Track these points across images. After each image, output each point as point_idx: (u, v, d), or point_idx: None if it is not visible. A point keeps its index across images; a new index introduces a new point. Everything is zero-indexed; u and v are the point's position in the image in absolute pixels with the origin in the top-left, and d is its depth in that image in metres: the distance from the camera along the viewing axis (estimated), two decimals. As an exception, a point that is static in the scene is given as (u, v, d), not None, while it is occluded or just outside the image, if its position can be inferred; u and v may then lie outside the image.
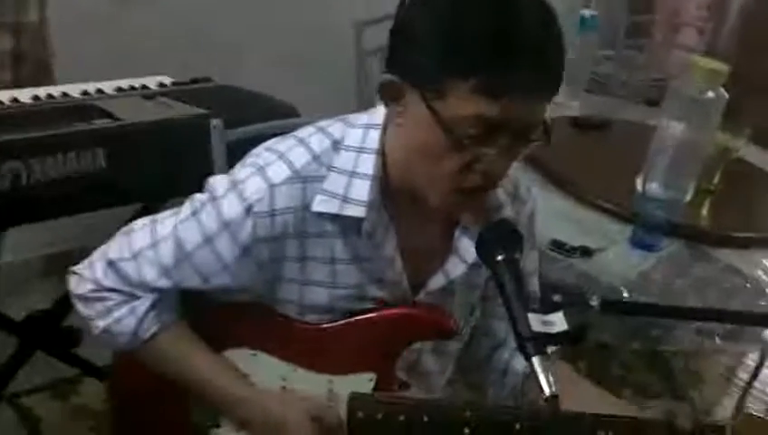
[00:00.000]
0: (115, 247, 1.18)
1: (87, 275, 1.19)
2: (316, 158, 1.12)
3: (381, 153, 1.12)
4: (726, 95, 1.87)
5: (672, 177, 1.87)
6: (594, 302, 1.00)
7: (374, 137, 1.12)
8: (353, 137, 1.13)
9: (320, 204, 1.11)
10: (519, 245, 1.06)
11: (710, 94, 1.88)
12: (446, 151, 1.02)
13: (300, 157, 1.12)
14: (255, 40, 2.81)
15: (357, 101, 2.58)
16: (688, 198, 1.95)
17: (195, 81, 2.04)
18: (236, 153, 1.34)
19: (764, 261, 1.84)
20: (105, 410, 1.67)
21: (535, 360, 0.92)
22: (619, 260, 1.74)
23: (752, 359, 2.36)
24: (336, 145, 1.13)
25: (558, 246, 1.74)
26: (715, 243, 1.86)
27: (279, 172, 1.11)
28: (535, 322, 0.96)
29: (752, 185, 2.24)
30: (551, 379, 0.90)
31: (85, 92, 1.86)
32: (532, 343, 0.93)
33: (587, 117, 2.43)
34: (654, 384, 2.55)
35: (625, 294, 1.59)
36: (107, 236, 1.21)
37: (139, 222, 1.20)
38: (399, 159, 1.11)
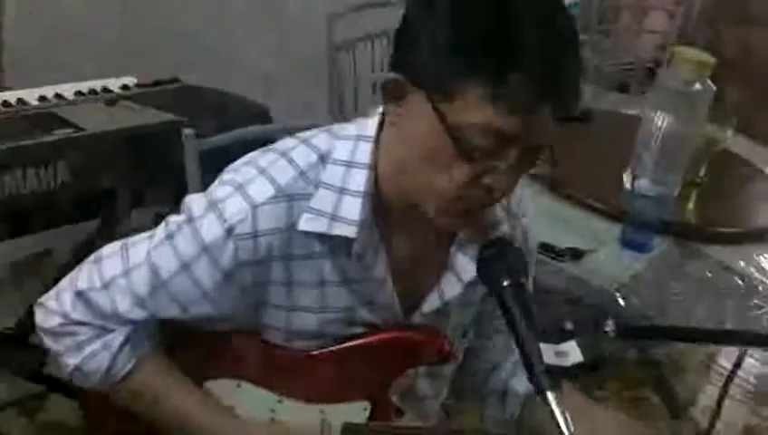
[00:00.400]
0: (84, 277, 1.09)
1: (54, 308, 1.09)
2: (302, 173, 1.03)
3: (373, 168, 1.04)
4: (714, 87, 1.82)
5: (661, 172, 1.82)
6: (609, 328, 0.94)
7: (365, 150, 1.04)
8: (342, 150, 1.05)
9: (307, 223, 1.02)
10: (524, 268, 0.99)
11: (697, 86, 1.82)
12: (451, 160, 0.94)
13: (284, 172, 1.03)
14: (222, 33, 2.70)
15: (328, 96, 2.50)
16: (676, 192, 1.91)
17: (160, 82, 1.93)
18: (209, 163, 1.26)
19: (755, 256, 1.80)
20: (75, 427, 1.58)
21: (550, 396, 0.85)
22: (610, 262, 1.69)
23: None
24: (323, 159, 1.05)
25: (546, 249, 1.68)
26: (705, 239, 1.83)
27: (261, 190, 1.02)
28: (548, 353, 0.89)
29: (737, 176, 2.20)
30: (567, 417, 0.84)
31: (43, 98, 1.74)
32: (547, 378, 0.86)
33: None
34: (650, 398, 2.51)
35: (621, 301, 1.54)
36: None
37: (109, 248, 1.10)
38: (395, 170, 1.03)
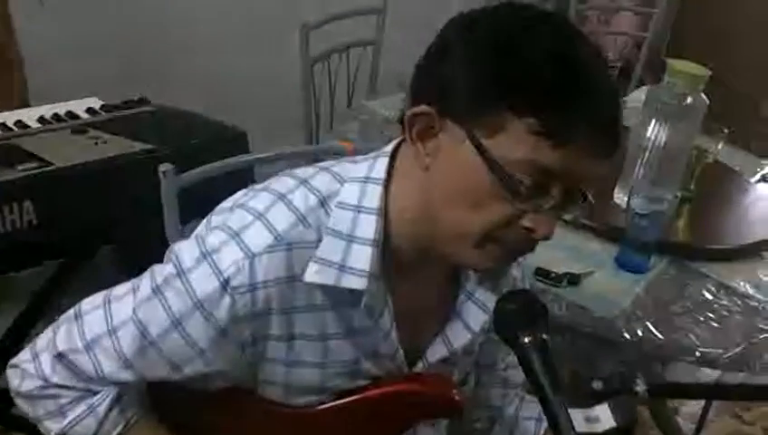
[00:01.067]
0: (64, 336, 0.99)
1: (31, 371, 1.00)
2: (302, 219, 0.95)
3: (383, 214, 0.96)
4: (707, 100, 1.77)
5: (656, 189, 1.76)
6: (640, 387, 0.87)
7: (375, 194, 0.96)
8: (349, 193, 0.97)
9: (314, 274, 0.94)
10: (546, 322, 0.92)
11: (690, 100, 1.77)
12: (490, 198, 0.88)
13: (282, 218, 0.95)
14: (188, 51, 2.59)
15: (304, 110, 2.41)
16: (669, 207, 1.85)
17: (129, 103, 1.81)
18: (186, 199, 1.16)
19: (754, 272, 1.76)
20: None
21: None
22: (608, 287, 1.63)
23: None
24: (324, 202, 0.96)
25: (542, 274, 1.62)
26: (703, 258, 1.77)
27: (259, 238, 0.93)
28: (578, 418, 0.82)
29: (725, 188, 2.15)
30: None
31: (4, 126, 1.62)
32: None
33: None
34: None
35: (626, 335, 1.47)
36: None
37: (90, 303, 1.01)
38: (417, 213, 0.95)
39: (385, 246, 0.97)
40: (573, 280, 1.62)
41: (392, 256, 0.98)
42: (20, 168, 1.41)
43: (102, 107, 1.81)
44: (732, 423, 2.62)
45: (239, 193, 1.01)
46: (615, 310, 1.55)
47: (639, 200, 1.71)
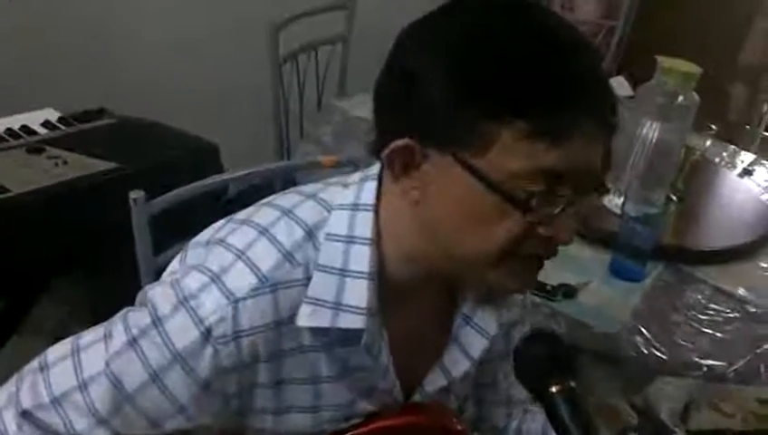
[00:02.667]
0: (28, 391, 0.88)
1: None
2: (287, 255, 0.86)
3: (376, 243, 0.87)
4: (698, 98, 1.71)
5: (647, 191, 1.70)
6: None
7: (365, 222, 0.88)
8: (337, 223, 0.88)
9: (307, 318, 0.85)
10: (573, 365, 0.84)
11: (681, 98, 1.71)
12: (501, 218, 0.80)
13: (266, 255, 0.85)
14: (147, 56, 2.45)
15: (273, 113, 2.30)
16: (659, 209, 1.79)
17: (88, 115, 1.68)
18: (157, 222, 1.06)
19: (749, 275, 1.71)
20: None
21: None
22: (605, 298, 1.56)
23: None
24: (312, 234, 0.87)
25: (538, 287, 1.54)
26: (697, 262, 1.72)
27: (241, 280, 0.84)
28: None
29: (713, 185, 2.10)
30: None
31: (-47, 144, 1.49)
32: None
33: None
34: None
35: (631, 353, 1.41)
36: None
37: (56, 353, 0.90)
38: (415, 244, 0.87)
39: (380, 276, 0.88)
40: (569, 293, 1.55)
41: (387, 286, 0.89)
42: (-27, 195, 1.28)
43: (60, 120, 1.67)
44: (712, 415, 2.60)
45: (216, 224, 0.92)
46: (616, 325, 1.48)
47: (632, 204, 1.65)
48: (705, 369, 1.41)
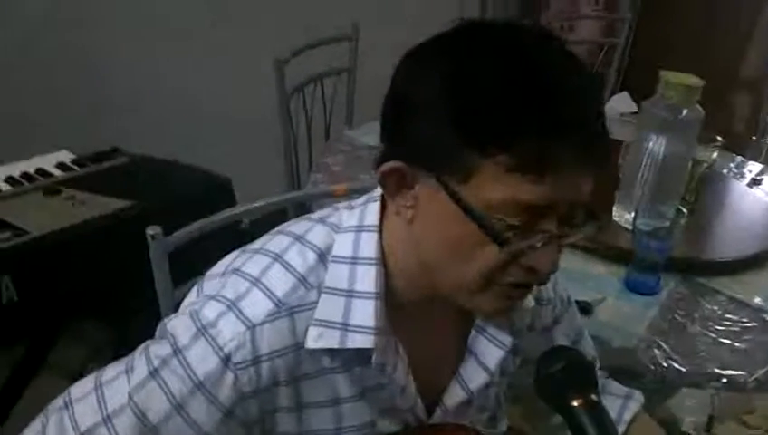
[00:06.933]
0: (54, 428, 0.90)
1: None
2: (301, 279, 0.88)
3: (381, 262, 0.89)
4: (702, 111, 1.72)
5: (657, 205, 1.71)
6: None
7: (369, 243, 0.90)
8: (343, 245, 0.90)
9: (315, 340, 0.87)
10: (592, 379, 0.85)
11: (685, 112, 1.72)
12: (480, 246, 0.81)
13: (280, 281, 0.88)
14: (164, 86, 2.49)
15: (283, 146, 2.32)
16: (670, 223, 1.80)
17: (101, 155, 1.71)
18: (174, 257, 1.07)
19: (763, 283, 1.71)
20: None
21: None
22: (621, 313, 1.57)
23: None
24: (323, 258, 0.90)
25: (553, 305, 1.54)
26: (711, 273, 1.72)
27: (258, 306, 0.86)
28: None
29: (722, 197, 2.11)
30: None
31: (-29, 191, 1.52)
32: None
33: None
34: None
35: (649, 365, 1.41)
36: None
37: (79, 389, 0.92)
38: (411, 263, 0.89)
39: (389, 295, 0.90)
40: (586, 309, 1.55)
41: (397, 304, 0.91)
42: (-5, 238, 1.31)
43: (74, 161, 1.70)
44: (737, 429, 2.57)
45: (231, 255, 0.94)
46: (633, 339, 1.48)
47: (643, 219, 1.66)
48: (724, 380, 1.41)
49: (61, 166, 1.67)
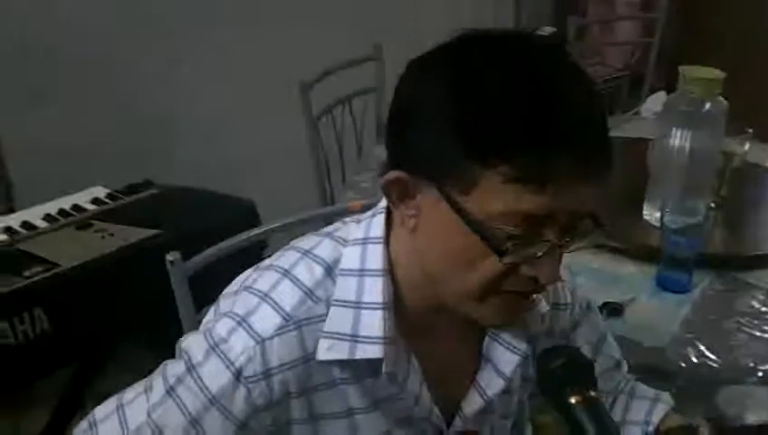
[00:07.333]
0: None
1: None
2: (309, 293, 0.90)
3: (389, 273, 0.90)
4: (725, 102, 1.69)
5: (687, 201, 1.68)
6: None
7: (375, 254, 0.91)
8: (351, 258, 0.91)
9: (326, 352, 0.88)
10: (591, 376, 0.84)
11: (708, 106, 1.69)
12: (482, 256, 0.82)
13: (288, 295, 0.90)
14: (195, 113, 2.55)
15: (314, 170, 2.35)
16: (702, 219, 1.76)
17: (133, 188, 1.77)
18: (198, 283, 1.10)
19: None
20: None
21: None
22: (653, 312, 1.54)
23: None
24: (330, 271, 0.91)
25: (582, 309, 1.53)
26: (746, 267, 1.67)
27: (267, 321, 0.88)
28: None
29: (758, 188, 2.06)
30: None
31: (9, 230, 1.58)
32: None
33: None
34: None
35: (681, 363, 1.38)
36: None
37: (103, 410, 0.95)
38: (417, 274, 0.90)
39: (399, 306, 0.91)
40: (617, 310, 1.53)
41: (408, 315, 0.92)
42: (26, 273, 1.36)
43: (108, 195, 1.76)
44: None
45: (245, 273, 0.97)
46: (665, 338, 1.46)
47: (672, 216, 1.64)
48: (760, 374, 1.38)
49: (95, 201, 1.73)
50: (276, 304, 0.89)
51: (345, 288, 0.90)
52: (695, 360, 1.40)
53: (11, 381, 1.30)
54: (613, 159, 0.82)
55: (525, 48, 0.82)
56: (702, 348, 1.43)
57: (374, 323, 0.89)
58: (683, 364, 1.40)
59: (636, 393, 1.19)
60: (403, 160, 0.85)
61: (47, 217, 1.64)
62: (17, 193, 2.14)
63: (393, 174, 0.85)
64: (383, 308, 0.89)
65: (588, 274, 1.65)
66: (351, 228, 0.95)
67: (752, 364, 1.39)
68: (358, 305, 0.89)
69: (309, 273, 0.91)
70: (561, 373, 0.86)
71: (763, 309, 1.55)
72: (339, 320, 0.89)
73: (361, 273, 0.90)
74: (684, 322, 1.51)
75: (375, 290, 0.89)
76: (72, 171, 1.97)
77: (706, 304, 1.57)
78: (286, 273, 0.92)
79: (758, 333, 1.48)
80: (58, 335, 1.33)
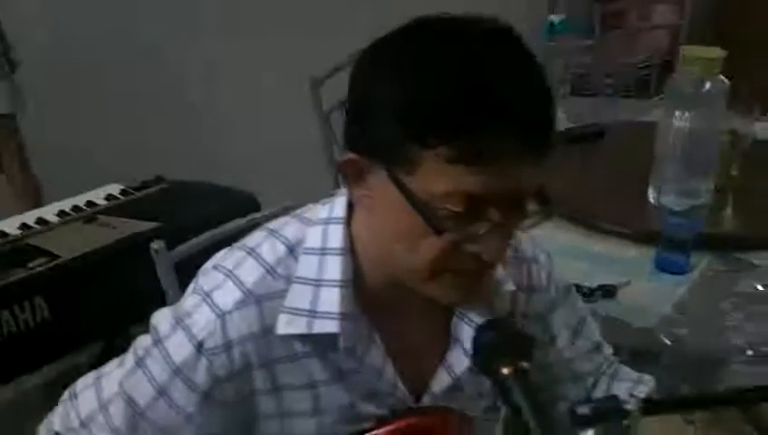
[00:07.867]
0: (61, 418, 1.00)
1: None
2: (270, 270, 0.93)
3: (349, 252, 0.93)
4: (726, 81, 1.67)
5: (686, 181, 1.66)
6: (632, 405, 0.79)
7: (336, 234, 0.93)
8: (313, 237, 0.94)
9: (284, 326, 0.91)
10: (528, 350, 0.85)
11: (708, 85, 1.67)
12: (426, 235, 0.83)
13: (250, 272, 0.93)
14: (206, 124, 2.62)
15: (329, 164, 2.39)
16: (706, 200, 1.74)
17: (146, 184, 1.84)
18: (191, 270, 1.14)
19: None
20: None
21: None
22: (647, 293, 1.53)
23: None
24: (293, 250, 0.94)
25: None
26: (749, 247, 1.64)
27: (228, 296, 0.92)
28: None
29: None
30: None
31: (25, 226, 1.66)
32: None
33: (578, 127, 2.22)
34: None
35: (665, 341, 1.37)
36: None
37: (83, 382, 1.01)
38: (374, 252, 0.92)
39: (360, 284, 0.93)
40: (608, 293, 1.53)
41: (370, 292, 0.94)
42: (30, 265, 1.43)
43: (121, 191, 1.83)
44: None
45: (220, 253, 1.00)
46: (653, 318, 1.44)
47: (671, 197, 1.62)
48: (749, 353, 1.35)
49: (108, 197, 1.80)
50: (238, 279, 0.92)
51: (306, 266, 0.93)
52: (682, 340, 1.39)
53: (12, 368, 1.37)
54: (554, 137, 0.83)
55: (467, 32, 0.84)
56: (691, 327, 1.41)
57: (332, 299, 0.91)
58: (669, 342, 1.38)
59: (618, 375, 1.18)
60: (356, 143, 0.87)
61: (60, 213, 1.72)
62: (45, 194, 2.24)
63: (346, 156, 0.87)
64: (341, 286, 0.91)
65: (584, 258, 1.64)
66: (318, 209, 0.98)
67: (742, 344, 1.37)
68: (318, 283, 0.92)
69: (272, 251, 0.94)
70: (495, 345, 0.87)
71: (762, 289, 1.52)
72: (298, 296, 0.92)
73: (323, 251, 0.93)
74: (677, 303, 1.49)
75: (334, 268, 0.92)
76: (93, 173, 2.05)
77: (705, 284, 1.55)
78: (251, 251, 0.95)
79: (753, 314, 1.45)
80: (59, 323, 1.39)
